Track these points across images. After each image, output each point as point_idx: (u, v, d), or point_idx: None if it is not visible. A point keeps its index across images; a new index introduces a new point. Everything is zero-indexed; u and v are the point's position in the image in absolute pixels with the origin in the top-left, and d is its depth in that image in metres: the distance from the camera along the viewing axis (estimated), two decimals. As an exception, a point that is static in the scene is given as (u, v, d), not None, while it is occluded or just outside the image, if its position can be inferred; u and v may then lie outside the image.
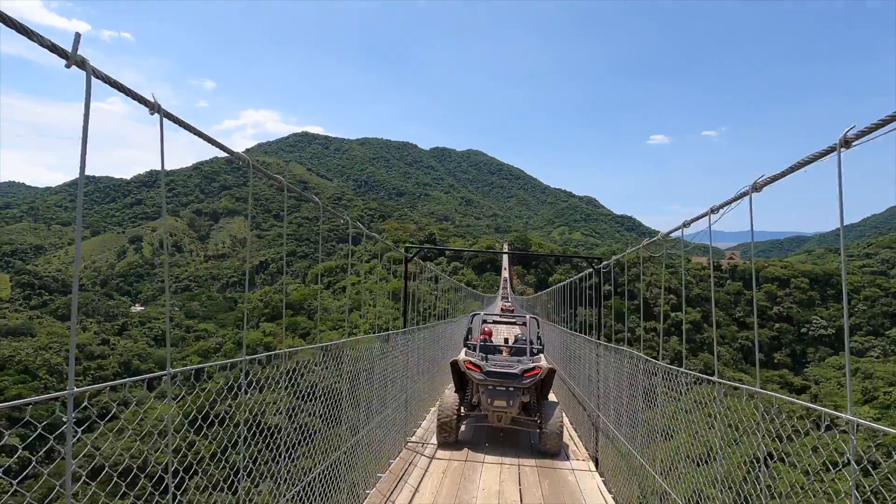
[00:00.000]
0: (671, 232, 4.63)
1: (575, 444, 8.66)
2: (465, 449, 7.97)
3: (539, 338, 9.96)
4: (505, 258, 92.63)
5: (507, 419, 7.97)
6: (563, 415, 8.92)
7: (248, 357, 3.19)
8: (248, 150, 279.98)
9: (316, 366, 4.54)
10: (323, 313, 62.22)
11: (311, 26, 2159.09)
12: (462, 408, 8.32)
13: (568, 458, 7.78)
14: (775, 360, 76.32)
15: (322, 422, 4.69)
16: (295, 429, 3.93)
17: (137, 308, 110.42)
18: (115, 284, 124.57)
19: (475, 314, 12.01)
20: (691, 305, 77.22)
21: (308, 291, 66.30)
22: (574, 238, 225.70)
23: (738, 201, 3.24)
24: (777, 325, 78.88)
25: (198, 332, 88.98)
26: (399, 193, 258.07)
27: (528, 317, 11.01)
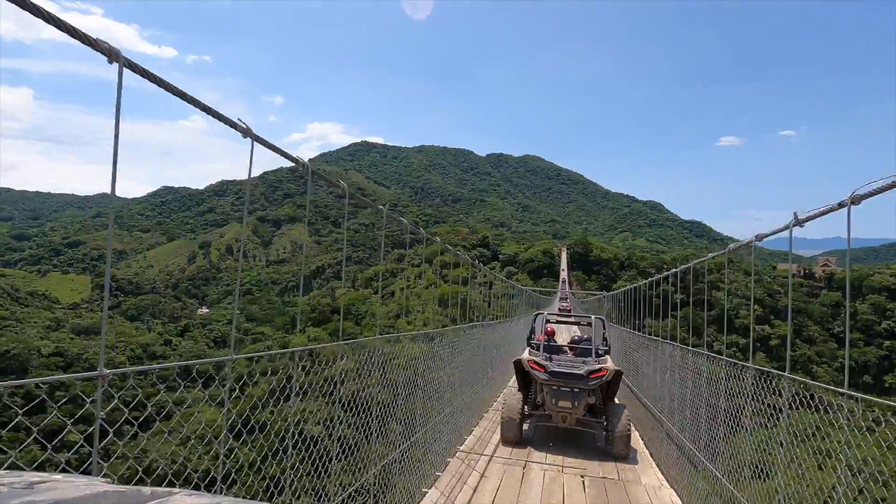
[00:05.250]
0: (778, 231, 3.85)
1: (642, 450, 8.30)
2: (528, 448, 7.84)
3: (605, 339, 9.55)
4: (563, 260, 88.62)
5: (571, 420, 7.87)
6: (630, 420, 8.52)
7: (236, 356, 2.74)
8: (311, 160, 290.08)
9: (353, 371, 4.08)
10: (370, 318, 60.66)
11: (371, 42, 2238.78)
12: (526, 407, 8.29)
13: (636, 463, 7.56)
14: (886, 384, 65.77)
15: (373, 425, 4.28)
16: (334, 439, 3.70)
17: (203, 310, 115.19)
18: (185, 288, 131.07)
19: (538, 313, 11.37)
20: (780, 318, 68.40)
21: (356, 296, 65.06)
22: (637, 244, 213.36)
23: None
24: (888, 343, 68.07)
25: (255, 335, 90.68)
26: (455, 200, 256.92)
27: (593, 317, 10.32)
